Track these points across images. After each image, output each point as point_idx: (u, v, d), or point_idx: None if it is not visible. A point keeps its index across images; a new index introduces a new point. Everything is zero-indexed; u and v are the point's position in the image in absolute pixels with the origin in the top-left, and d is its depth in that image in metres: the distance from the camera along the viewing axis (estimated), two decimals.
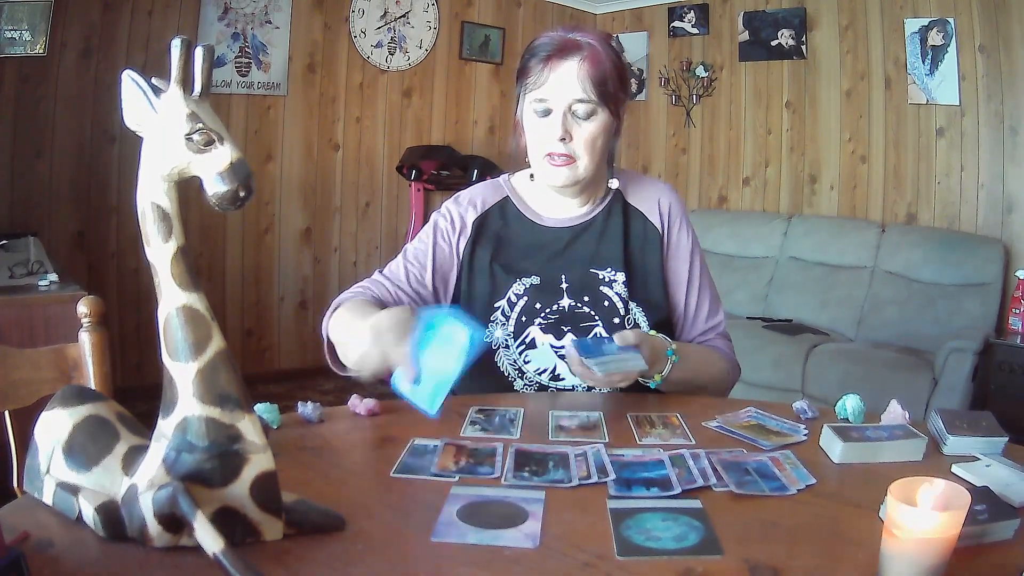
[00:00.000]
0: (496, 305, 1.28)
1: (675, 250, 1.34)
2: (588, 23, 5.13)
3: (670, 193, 1.37)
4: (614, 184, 1.35)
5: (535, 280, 1.28)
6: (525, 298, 1.27)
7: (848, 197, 4.14)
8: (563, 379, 1.25)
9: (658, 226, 1.33)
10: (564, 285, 1.28)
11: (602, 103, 1.21)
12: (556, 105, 1.21)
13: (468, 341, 0.93)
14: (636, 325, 1.27)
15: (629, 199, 1.35)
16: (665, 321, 1.32)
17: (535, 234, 1.33)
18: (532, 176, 1.36)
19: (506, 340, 1.25)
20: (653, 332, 1.25)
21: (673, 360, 1.19)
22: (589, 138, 1.22)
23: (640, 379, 1.18)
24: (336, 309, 1.21)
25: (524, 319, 1.26)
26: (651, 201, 1.35)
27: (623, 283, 1.28)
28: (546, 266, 1.29)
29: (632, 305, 1.28)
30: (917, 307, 3.52)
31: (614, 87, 1.22)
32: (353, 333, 1.05)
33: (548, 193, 1.34)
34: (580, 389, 1.25)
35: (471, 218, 1.34)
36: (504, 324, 1.26)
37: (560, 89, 1.20)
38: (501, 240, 1.32)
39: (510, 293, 1.28)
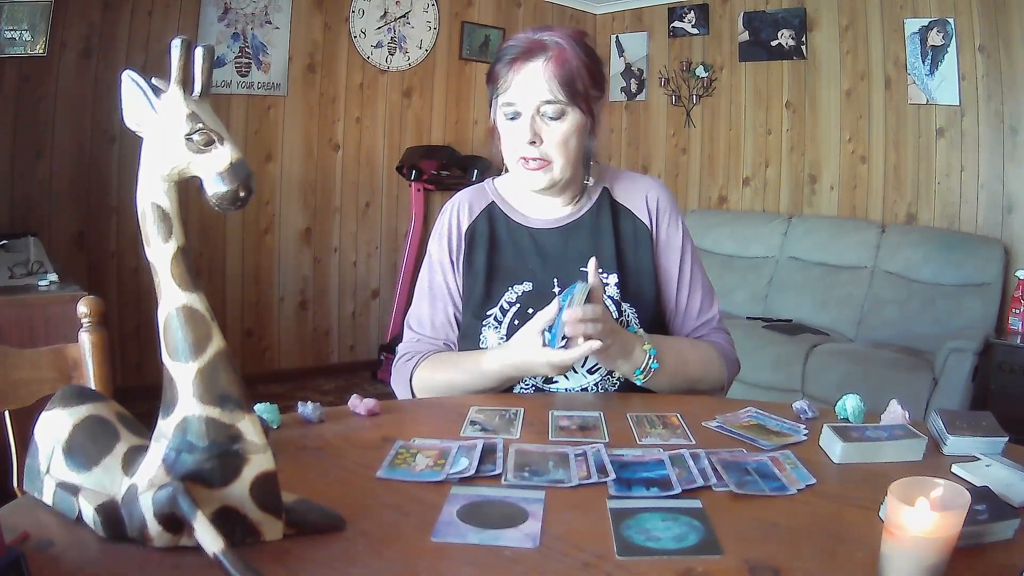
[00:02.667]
0: (488, 312, 1.27)
1: (665, 246, 1.33)
2: (588, 23, 5.13)
3: (658, 188, 1.36)
4: (590, 182, 1.33)
5: (527, 286, 1.28)
6: (517, 305, 1.27)
7: (848, 197, 4.14)
8: (556, 382, 1.25)
9: (647, 222, 1.32)
10: (556, 289, 1.27)
11: (571, 102, 1.20)
12: (524, 108, 1.20)
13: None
14: (627, 326, 1.27)
15: (616, 197, 1.34)
16: (659, 318, 1.32)
17: (524, 237, 1.32)
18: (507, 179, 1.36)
19: (499, 344, 1.25)
20: (641, 331, 1.24)
21: (647, 349, 1.18)
22: (560, 139, 1.21)
23: (623, 376, 1.20)
24: (417, 365, 1.28)
25: (517, 323, 1.25)
26: (638, 197, 1.34)
27: (615, 284, 1.28)
28: (538, 270, 1.29)
29: (625, 306, 1.27)
30: (917, 307, 3.52)
31: (584, 85, 1.21)
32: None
33: (531, 195, 1.33)
34: (574, 391, 1.25)
35: (465, 228, 1.33)
36: (497, 328, 1.26)
37: (526, 91, 1.19)
38: (493, 245, 1.32)
39: (502, 300, 1.27)
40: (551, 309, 1.10)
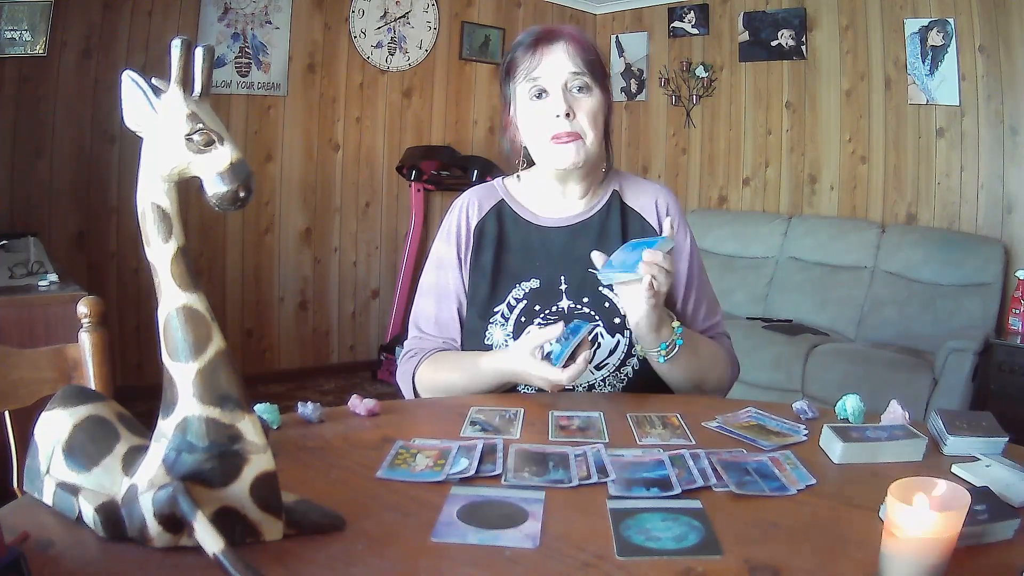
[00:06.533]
0: (495, 309, 1.28)
1: (673, 251, 1.34)
2: (588, 23, 5.13)
3: (667, 194, 1.38)
4: (611, 164, 1.37)
5: (534, 283, 1.28)
6: (524, 301, 1.28)
7: (848, 197, 4.14)
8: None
9: (656, 227, 1.33)
10: (563, 287, 1.28)
11: (594, 78, 1.24)
12: (552, 85, 1.23)
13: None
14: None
15: (626, 200, 1.36)
16: None
17: (533, 235, 1.33)
18: (519, 177, 1.37)
19: (505, 341, 1.25)
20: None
21: (675, 327, 1.18)
22: (591, 112, 1.24)
23: (645, 353, 1.20)
24: (420, 363, 1.29)
25: (523, 319, 1.26)
26: (649, 202, 1.35)
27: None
28: (545, 268, 1.29)
29: None
30: (917, 307, 3.52)
31: (601, 66, 1.26)
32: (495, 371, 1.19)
33: (545, 191, 1.34)
34: (580, 389, 1.26)
35: (473, 225, 1.34)
36: (503, 325, 1.27)
37: (554, 68, 1.23)
38: (501, 243, 1.32)
39: (509, 297, 1.28)
40: (554, 330, 1.10)
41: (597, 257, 1.15)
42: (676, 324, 1.19)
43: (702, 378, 1.26)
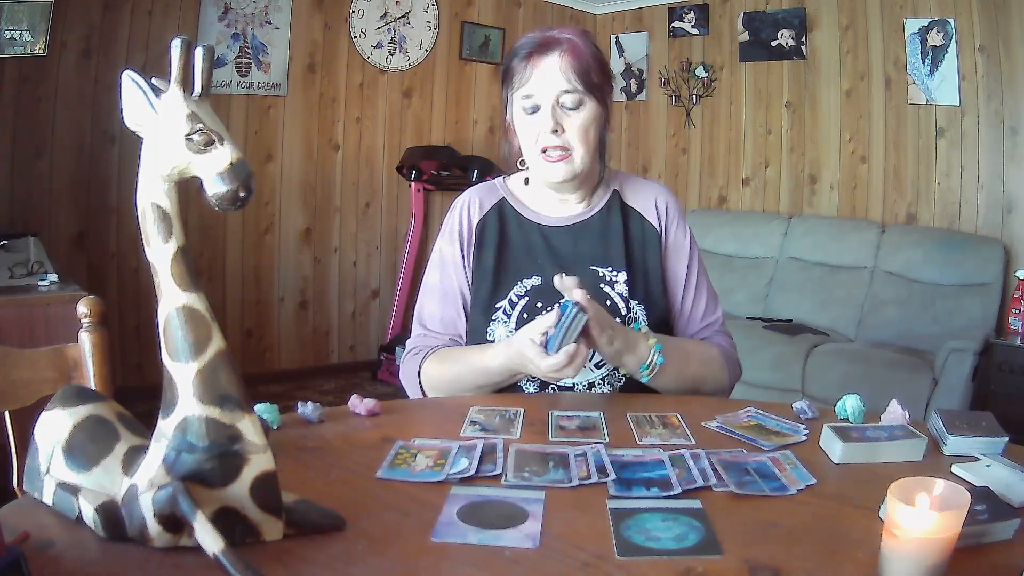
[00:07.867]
0: (497, 305, 1.28)
1: (673, 249, 1.35)
2: (588, 23, 5.13)
3: (666, 193, 1.38)
4: (604, 175, 1.35)
5: (536, 280, 1.29)
6: (526, 298, 1.28)
7: (848, 197, 4.14)
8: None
9: (656, 225, 1.34)
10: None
11: (588, 92, 1.23)
12: (543, 100, 1.22)
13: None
14: (634, 323, 1.27)
15: (626, 199, 1.36)
16: (664, 319, 1.32)
17: (535, 234, 1.33)
18: (527, 180, 1.37)
19: (507, 337, 1.26)
20: (646, 328, 1.25)
21: (651, 344, 1.18)
22: (581, 128, 1.23)
23: (630, 374, 1.19)
24: (425, 359, 1.29)
25: (526, 316, 1.26)
26: (648, 201, 1.36)
27: (624, 282, 1.29)
28: (547, 266, 1.30)
29: (633, 303, 1.28)
30: (917, 307, 3.52)
31: (598, 78, 1.24)
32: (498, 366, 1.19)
33: (545, 193, 1.35)
34: (580, 388, 1.26)
35: (475, 223, 1.34)
36: (506, 322, 1.27)
37: (545, 83, 1.22)
38: (502, 241, 1.33)
39: (511, 294, 1.28)
40: (550, 317, 1.09)
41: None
42: (652, 341, 1.18)
43: (697, 384, 1.27)
